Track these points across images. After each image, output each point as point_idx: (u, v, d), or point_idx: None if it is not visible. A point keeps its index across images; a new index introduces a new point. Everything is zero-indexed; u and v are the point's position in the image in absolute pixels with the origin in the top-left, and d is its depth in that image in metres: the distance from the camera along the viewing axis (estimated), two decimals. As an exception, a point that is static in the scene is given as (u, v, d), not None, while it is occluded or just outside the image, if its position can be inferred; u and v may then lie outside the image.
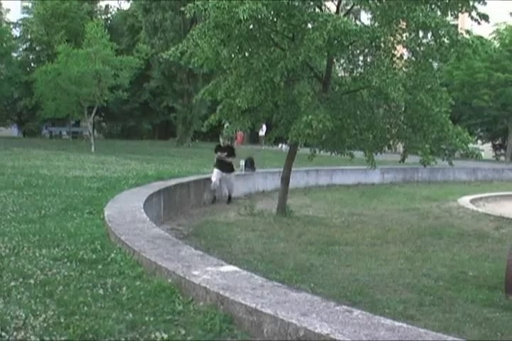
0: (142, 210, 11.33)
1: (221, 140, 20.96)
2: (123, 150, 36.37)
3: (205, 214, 17.59)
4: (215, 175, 20.00)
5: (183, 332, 5.32)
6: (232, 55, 16.48)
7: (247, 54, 16.61)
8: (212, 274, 6.30)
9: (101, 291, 6.43)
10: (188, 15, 15.77)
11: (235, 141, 50.83)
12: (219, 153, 20.40)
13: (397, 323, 4.62)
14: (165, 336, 5.17)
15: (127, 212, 11.15)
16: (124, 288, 6.55)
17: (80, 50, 39.21)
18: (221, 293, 5.64)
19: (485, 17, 16.16)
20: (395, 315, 7.83)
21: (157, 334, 5.20)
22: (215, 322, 5.46)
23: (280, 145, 39.07)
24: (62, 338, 5.05)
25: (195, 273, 6.38)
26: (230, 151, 20.55)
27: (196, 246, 9.76)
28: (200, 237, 13.73)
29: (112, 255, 7.98)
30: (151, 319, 5.60)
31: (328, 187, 27.57)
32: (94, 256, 7.96)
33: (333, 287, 9.64)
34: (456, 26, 19.82)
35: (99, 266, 7.48)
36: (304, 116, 15.10)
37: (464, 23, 17.01)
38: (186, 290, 6.23)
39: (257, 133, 52.32)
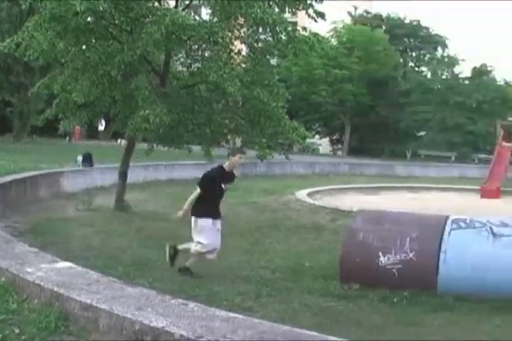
0: (-26, 207, 10.99)
1: (238, 157, 11.09)
2: (-45, 147, 34.98)
3: (42, 211, 17.18)
4: (210, 230, 10.68)
5: (17, 331, 5.20)
6: (69, 48, 16.17)
7: (84, 47, 16.38)
8: (47, 271, 6.18)
9: None
10: (23, 6, 15.35)
11: (73, 137, 50.01)
12: (222, 186, 10.98)
13: (232, 314, 4.69)
14: (-2, 336, 5.04)
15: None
16: (-46, 288, 6.33)
17: None
18: (56, 289, 5.54)
19: (321, 15, 16.63)
20: (233, 306, 7.93)
21: (-10, 334, 5.07)
22: (50, 319, 5.36)
23: (119, 141, 38.75)
24: None
25: (29, 270, 6.24)
26: (231, 179, 11.45)
27: (32, 243, 9.52)
28: (36, 234, 13.42)
29: None
30: (-16, 319, 5.44)
31: (168, 181, 27.48)
32: None
33: (172, 281, 9.67)
34: (295, 23, 20.25)
35: None
36: (141, 111, 15.04)
37: (304, 20, 17.43)
38: (20, 288, 6.08)
39: (97, 128, 51.68)
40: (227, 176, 11.06)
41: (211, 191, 10.71)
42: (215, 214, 10.70)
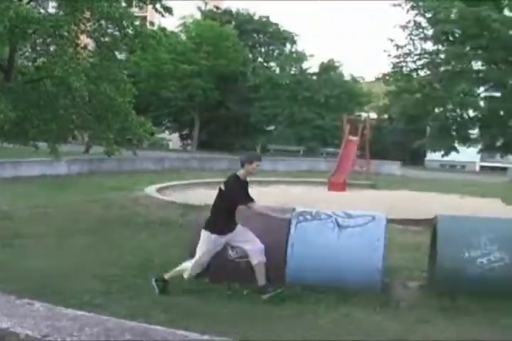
0: None
1: (256, 165, 9.95)
2: None
3: None
4: (211, 247, 9.89)
5: None
6: None
7: None
8: None
9: None
10: None
11: None
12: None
13: (79, 312, 4.66)
14: None
15: None
16: None
17: None
18: None
19: (169, 10, 16.70)
20: (82, 304, 7.85)
21: None
22: None
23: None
24: None
25: None
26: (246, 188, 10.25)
27: None
28: None
29: None
30: None
31: (14, 179, 26.72)
32: None
33: (19, 281, 9.46)
34: (144, 18, 20.27)
35: None
36: (-16, 107, 14.62)
37: (154, 15, 17.48)
38: None
39: None
40: (244, 185, 10.11)
41: (234, 205, 9.86)
42: (227, 230, 9.85)
